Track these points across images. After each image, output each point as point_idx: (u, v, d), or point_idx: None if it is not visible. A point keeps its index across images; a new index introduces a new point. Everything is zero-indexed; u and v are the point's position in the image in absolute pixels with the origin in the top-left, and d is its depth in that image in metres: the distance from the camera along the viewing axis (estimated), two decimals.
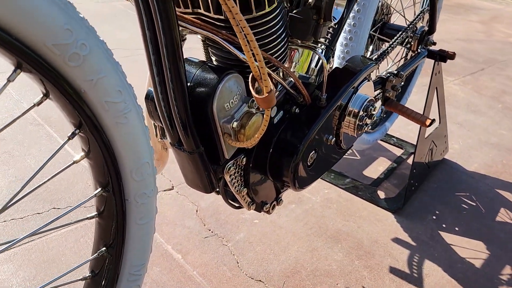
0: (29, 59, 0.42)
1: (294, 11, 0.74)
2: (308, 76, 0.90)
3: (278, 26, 0.69)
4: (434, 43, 1.40)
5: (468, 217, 1.40)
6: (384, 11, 1.38)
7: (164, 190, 1.34)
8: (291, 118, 0.85)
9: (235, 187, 0.81)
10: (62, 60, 0.44)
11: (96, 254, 0.62)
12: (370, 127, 1.09)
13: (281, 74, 0.82)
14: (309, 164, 0.87)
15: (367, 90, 0.99)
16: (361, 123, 0.96)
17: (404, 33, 1.26)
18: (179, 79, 0.60)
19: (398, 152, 1.75)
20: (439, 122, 1.57)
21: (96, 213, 0.61)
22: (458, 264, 1.20)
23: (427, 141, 1.48)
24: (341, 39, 1.16)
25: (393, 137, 1.83)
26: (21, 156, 1.42)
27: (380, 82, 1.18)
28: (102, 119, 0.51)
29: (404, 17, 1.37)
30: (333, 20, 0.76)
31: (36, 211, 1.20)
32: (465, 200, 1.50)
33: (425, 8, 1.34)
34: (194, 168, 0.71)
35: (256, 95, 0.61)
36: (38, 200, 1.24)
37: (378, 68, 1.35)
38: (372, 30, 1.34)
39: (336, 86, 0.91)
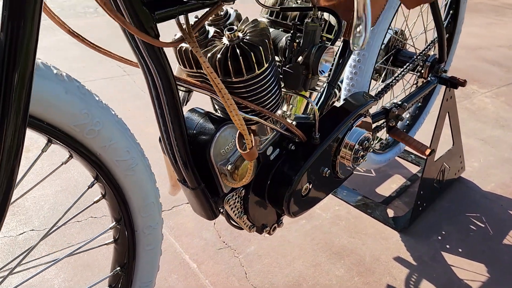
0: (57, 136, 0.56)
1: (286, 66, 0.86)
2: (305, 116, 1.00)
3: (269, 83, 0.81)
4: (445, 71, 1.45)
5: (474, 239, 1.45)
6: (399, 37, 1.45)
7: (186, 203, 1.49)
8: (288, 155, 0.96)
9: (235, 214, 0.94)
10: (81, 134, 0.58)
11: (113, 272, 0.77)
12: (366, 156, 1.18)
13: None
14: (303, 194, 0.99)
15: (364, 125, 1.09)
16: (356, 156, 1.06)
17: (412, 63, 1.33)
18: (179, 130, 0.72)
19: (414, 169, 1.81)
20: (453, 144, 1.62)
21: (112, 240, 0.75)
22: (455, 286, 1.27)
23: (437, 163, 1.54)
24: (347, 73, 1.25)
25: (411, 154, 1.88)
26: (65, 169, 1.62)
27: (384, 113, 1.27)
28: (114, 173, 0.65)
29: (414, 46, 1.43)
30: (321, 73, 0.87)
31: (76, 219, 1.39)
32: (475, 221, 1.55)
33: (435, 38, 1.40)
34: (197, 201, 0.84)
35: (241, 150, 0.73)
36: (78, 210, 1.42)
37: (391, 90, 1.43)
38: (385, 57, 1.42)
39: (331, 124, 1.01)
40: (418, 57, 1.35)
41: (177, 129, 0.72)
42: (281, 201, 0.95)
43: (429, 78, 1.42)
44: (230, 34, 0.75)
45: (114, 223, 0.72)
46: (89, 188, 0.66)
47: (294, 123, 0.95)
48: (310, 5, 0.92)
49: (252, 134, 0.73)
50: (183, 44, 0.77)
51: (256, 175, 0.92)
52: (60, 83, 0.53)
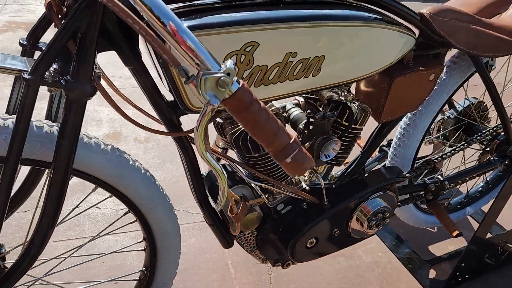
0: (101, 184, 0.87)
1: None
2: (316, 181, 1.16)
3: None
4: None
5: None
6: (475, 109, 1.46)
7: None
8: (299, 212, 1.15)
9: (247, 249, 1.17)
10: (116, 185, 0.88)
11: (141, 270, 1.08)
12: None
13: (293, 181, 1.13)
14: (308, 246, 1.17)
15: (386, 198, 1.20)
16: (370, 224, 1.19)
17: (470, 142, 1.35)
18: (197, 183, 0.98)
19: None
20: None
21: (143, 248, 1.06)
22: None
23: (494, 238, 1.52)
24: (395, 139, 1.34)
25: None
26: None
27: (422, 186, 1.34)
28: (139, 208, 0.94)
29: (479, 121, 1.43)
30: (326, 157, 1.03)
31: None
32: None
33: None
34: (214, 233, 1.10)
35: (229, 213, 0.96)
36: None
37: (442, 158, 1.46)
38: (454, 125, 1.45)
39: (346, 194, 1.16)
40: (481, 135, 1.36)
41: (195, 181, 0.98)
42: (285, 248, 1.15)
43: (492, 158, 1.41)
44: None
45: (142, 238, 1.02)
46: (124, 214, 0.97)
47: (308, 187, 1.13)
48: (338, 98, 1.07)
49: (243, 202, 0.96)
50: (218, 119, 1.02)
51: (267, 222, 1.13)
52: (103, 155, 0.84)
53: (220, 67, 0.52)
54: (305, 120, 1.01)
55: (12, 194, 0.98)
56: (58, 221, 0.94)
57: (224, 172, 0.72)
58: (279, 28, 0.77)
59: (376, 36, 0.92)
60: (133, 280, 1.11)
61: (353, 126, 1.07)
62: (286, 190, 1.06)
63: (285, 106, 1.11)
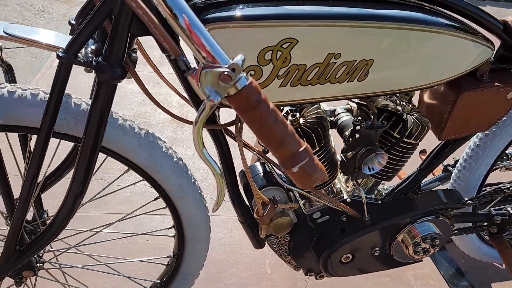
0: (133, 167, 0.88)
1: (342, 154, 0.97)
2: (359, 194, 1.08)
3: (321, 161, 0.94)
4: None
5: None
6: None
7: None
8: (336, 223, 1.08)
9: (279, 253, 1.13)
10: (148, 169, 0.88)
11: (170, 256, 1.09)
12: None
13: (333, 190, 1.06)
14: (343, 261, 1.09)
15: (439, 224, 1.09)
16: (416, 249, 1.09)
17: None
18: (230, 183, 0.96)
19: None
20: None
21: (173, 235, 1.06)
22: None
23: None
24: (461, 160, 1.21)
25: None
26: None
27: (487, 216, 1.19)
28: (169, 196, 0.94)
29: None
30: (370, 170, 0.94)
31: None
32: None
33: None
34: (246, 232, 1.07)
35: (255, 214, 0.92)
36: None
37: None
38: None
39: (390, 212, 1.07)
40: None
41: (228, 176, 0.95)
42: (318, 259, 1.09)
43: None
44: (292, 119, 0.92)
45: (172, 225, 1.02)
46: (155, 199, 0.97)
47: (349, 199, 1.05)
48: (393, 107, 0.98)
49: (271, 204, 0.92)
50: None
51: (301, 228, 1.08)
52: (135, 139, 0.84)
53: (228, 61, 0.48)
54: (352, 128, 0.94)
55: (60, 163, 1.05)
56: (93, 198, 0.98)
57: (221, 172, 0.68)
58: (322, 25, 0.71)
59: (441, 43, 0.82)
60: (162, 264, 1.12)
61: (405, 140, 0.97)
62: (323, 199, 1.00)
63: (334, 110, 1.05)
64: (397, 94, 1.03)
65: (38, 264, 0.93)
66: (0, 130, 0.78)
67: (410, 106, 1.00)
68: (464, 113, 0.98)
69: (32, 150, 0.74)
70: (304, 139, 0.91)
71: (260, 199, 0.90)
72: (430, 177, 1.33)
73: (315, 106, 0.97)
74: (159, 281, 1.14)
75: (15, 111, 0.76)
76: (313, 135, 0.90)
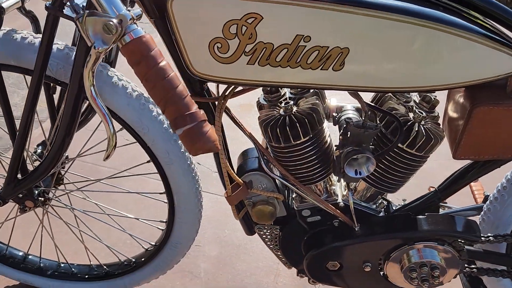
0: (126, 127, 0.94)
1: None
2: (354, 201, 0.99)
3: (303, 156, 0.90)
4: None
5: None
6: None
7: None
8: (325, 225, 1.01)
9: (269, 245, 1.10)
10: (137, 130, 0.93)
11: (164, 221, 1.13)
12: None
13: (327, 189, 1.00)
14: (329, 268, 1.03)
15: (445, 255, 0.97)
16: (411, 276, 0.98)
17: None
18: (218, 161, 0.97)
19: None
20: None
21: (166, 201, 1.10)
22: None
23: None
24: (494, 190, 1.05)
25: None
26: None
27: (505, 259, 1.02)
28: (159, 162, 0.98)
29: None
30: (357, 174, 0.87)
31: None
32: None
33: None
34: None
35: (224, 193, 0.91)
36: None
37: None
38: None
39: (392, 226, 0.97)
40: None
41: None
42: (303, 259, 1.04)
43: None
44: (284, 106, 0.90)
45: (163, 191, 1.06)
46: (147, 162, 1.02)
47: (342, 204, 0.98)
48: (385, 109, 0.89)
49: (243, 187, 0.90)
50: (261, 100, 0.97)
51: (291, 223, 1.04)
52: (126, 98, 0.90)
53: (116, 13, 0.50)
54: (345, 125, 0.88)
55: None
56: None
57: (111, 122, 0.68)
58: (288, 3, 0.68)
59: (445, 43, 0.72)
60: (158, 228, 1.17)
61: (406, 149, 0.88)
62: (311, 197, 0.95)
63: (342, 107, 0.99)
64: (415, 100, 0.94)
65: (40, 198, 1.05)
66: (14, 71, 0.90)
67: (425, 114, 0.89)
68: (483, 131, 0.85)
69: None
70: (291, 129, 0.87)
71: (231, 177, 0.89)
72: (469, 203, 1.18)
73: (314, 97, 0.92)
74: (153, 243, 1.20)
75: (25, 55, 0.87)
76: (297, 124, 0.87)
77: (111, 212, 1.22)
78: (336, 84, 0.76)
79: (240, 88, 0.88)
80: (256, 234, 1.08)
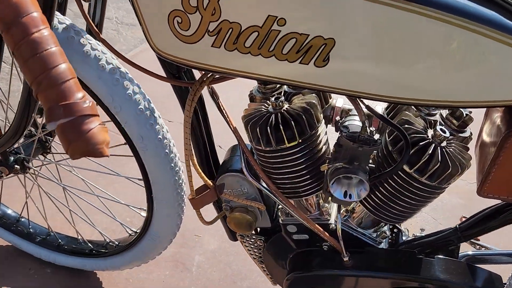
0: (98, 102, 0.84)
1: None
2: (350, 225, 0.83)
3: (288, 163, 0.75)
4: None
5: None
6: None
7: None
8: (316, 247, 0.86)
9: (252, 256, 0.97)
10: (109, 107, 0.83)
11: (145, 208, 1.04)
12: None
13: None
14: None
15: None
16: None
17: None
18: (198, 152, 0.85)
19: None
20: None
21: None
22: None
23: None
24: None
25: None
26: None
27: None
28: (134, 145, 0.88)
29: None
30: (347, 197, 0.70)
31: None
32: None
33: None
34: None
35: (189, 196, 0.78)
36: None
37: None
38: None
39: (390, 262, 0.81)
40: None
41: (194, 143, 0.84)
42: (285, 278, 0.90)
43: None
44: (274, 101, 0.75)
45: (141, 177, 0.96)
46: (123, 144, 0.91)
47: (334, 226, 0.82)
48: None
49: (212, 190, 0.77)
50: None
51: (276, 238, 0.90)
52: (97, 71, 0.79)
53: None
54: (339, 135, 0.71)
55: None
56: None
57: None
58: None
59: (463, 43, 0.53)
60: (141, 215, 1.08)
61: (414, 175, 0.69)
62: (293, 212, 0.80)
63: (350, 110, 0.81)
64: (442, 114, 0.75)
65: (17, 166, 0.99)
66: None
67: (448, 134, 0.70)
68: None
69: None
70: (275, 131, 0.72)
71: (190, 175, 0.77)
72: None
73: (312, 95, 0.76)
74: (135, 230, 1.11)
75: None
76: (282, 126, 0.71)
77: (98, 192, 1.15)
78: (319, 84, 0.59)
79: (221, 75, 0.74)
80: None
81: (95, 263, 1.19)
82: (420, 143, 0.69)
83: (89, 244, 1.21)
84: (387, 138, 0.72)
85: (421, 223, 1.59)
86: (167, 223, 1.00)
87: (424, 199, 0.73)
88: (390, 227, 0.90)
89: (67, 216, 1.20)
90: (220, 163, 0.89)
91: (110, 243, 1.18)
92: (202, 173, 0.78)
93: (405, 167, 0.70)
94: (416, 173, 0.69)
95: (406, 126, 0.70)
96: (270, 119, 0.73)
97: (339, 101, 0.82)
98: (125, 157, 0.96)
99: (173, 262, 1.33)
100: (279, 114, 0.73)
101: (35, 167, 1.05)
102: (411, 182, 0.70)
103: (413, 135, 0.69)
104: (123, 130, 0.86)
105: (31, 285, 1.24)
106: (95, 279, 1.27)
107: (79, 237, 1.22)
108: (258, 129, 0.73)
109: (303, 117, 0.72)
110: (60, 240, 1.23)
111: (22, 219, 1.26)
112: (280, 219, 0.87)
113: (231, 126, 0.81)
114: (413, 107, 0.75)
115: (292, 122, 0.72)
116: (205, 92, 0.78)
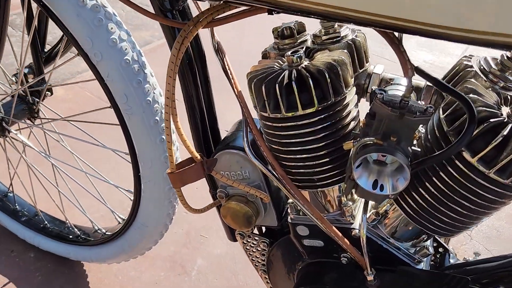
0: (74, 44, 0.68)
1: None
2: (389, 237, 0.62)
3: (311, 138, 0.55)
4: None
5: None
6: None
7: None
8: (333, 258, 0.66)
9: (251, 259, 0.78)
10: (88, 54, 0.67)
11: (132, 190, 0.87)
12: None
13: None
14: None
15: None
16: None
17: None
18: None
19: None
20: None
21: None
22: None
23: None
24: None
25: None
26: None
27: None
28: (118, 107, 0.71)
29: None
30: (377, 188, 0.49)
31: None
32: None
33: None
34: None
35: (168, 170, 0.60)
36: None
37: None
38: None
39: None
40: None
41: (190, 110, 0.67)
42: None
43: None
44: (290, 55, 0.56)
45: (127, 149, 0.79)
46: (108, 107, 0.75)
47: (358, 232, 0.62)
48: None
49: (198, 164, 0.58)
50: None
51: (284, 241, 0.70)
52: (75, 6, 0.63)
53: None
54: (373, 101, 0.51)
55: None
56: None
57: None
58: None
59: None
60: (130, 200, 0.91)
61: (478, 166, 0.48)
62: (304, 207, 0.60)
63: (392, 80, 0.61)
64: None
65: None
66: None
67: None
68: None
69: None
70: (286, 92, 0.53)
71: (170, 150, 0.58)
72: None
73: (343, 51, 0.57)
74: (123, 217, 0.95)
75: None
76: (296, 86, 0.52)
77: (87, 169, 1.00)
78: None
79: (223, 14, 0.56)
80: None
81: (80, 252, 1.04)
82: (491, 120, 0.47)
83: (76, 229, 1.05)
84: (441, 115, 0.52)
85: (470, 254, 1.34)
86: (156, 210, 0.83)
87: (488, 204, 0.51)
88: (435, 244, 0.68)
89: (54, 196, 1.05)
90: None
91: (98, 231, 1.03)
92: (186, 140, 0.59)
93: (466, 155, 0.49)
94: (480, 164, 0.48)
95: (471, 96, 0.49)
96: (282, 76, 0.54)
97: (378, 67, 0.62)
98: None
99: (171, 263, 1.15)
100: (294, 71, 0.54)
101: (16, 130, 0.91)
102: (472, 176, 0.49)
103: (481, 108, 0.48)
104: (107, 88, 0.70)
105: (10, 272, 1.09)
106: (81, 270, 1.11)
107: (66, 222, 1.07)
108: (264, 88, 0.54)
109: (327, 76, 0.52)
110: (46, 222, 1.09)
111: (10, 194, 1.13)
112: (289, 217, 0.67)
113: (235, 89, 0.63)
114: (481, 74, 0.54)
115: (311, 81, 0.52)
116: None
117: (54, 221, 1.10)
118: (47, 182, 1.05)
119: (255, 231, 0.75)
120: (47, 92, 0.94)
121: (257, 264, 0.79)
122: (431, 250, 0.62)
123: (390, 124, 0.48)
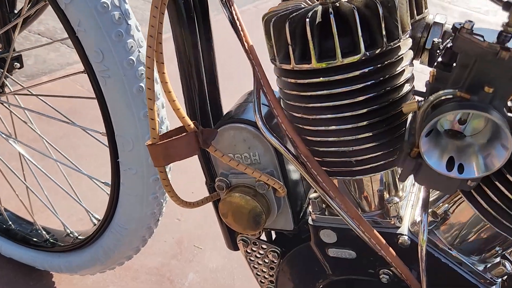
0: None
1: None
2: (451, 249, 0.45)
3: (352, 100, 0.39)
4: None
5: None
6: None
7: None
8: (368, 275, 0.49)
9: (259, 278, 0.61)
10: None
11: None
12: None
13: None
14: None
15: None
16: None
17: None
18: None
19: None
20: None
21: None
22: None
23: None
24: None
25: None
26: None
27: None
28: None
29: None
30: (467, 170, 0.33)
31: None
32: None
33: None
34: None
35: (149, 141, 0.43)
36: None
37: None
38: None
39: None
40: None
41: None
42: None
43: None
44: None
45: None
46: (81, 72, 0.59)
47: (407, 239, 0.45)
48: None
49: (191, 135, 0.42)
50: None
51: (300, 251, 0.53)
52: None
53: None
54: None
55: None
56: None
57: None
58: None
59: None
60: (107, 193, 0.74)
61: None
62: (335, 200, 0.43)
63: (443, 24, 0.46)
64: None
65: None
66: None
67: None
68: None
69: None
70: (320, 35, 0.38)
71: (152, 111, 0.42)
72: None
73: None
74: (98, 218, 0.78)
75: None
76: (334, 26, 0.36)
77: (58, 156, 0.83)
78: None
79: None
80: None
81: (47, 260, 0.86)
82: None
83: (44, 232, 0.88)
84: None
85: None
86: (138, 207, 0.66)
87: None
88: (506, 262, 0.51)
89: (19, 191, 0.88)
90: None
91: (70, 235, 0.85)
92: (175, 99, 0.42)
93: None
94: None
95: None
96: (313, 11, 0.38)
97: (441, 17, 0.46)
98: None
99: (158, 276, 0.98)
100: (331, 7, 0.38)
101: None
102: None
103: None
104: (79, 44, 0.54)
105: None
106: (49, 282, 0.93)
107: (34, 223, 0.90)
108: (288, 27, 0.38)
109: (380, 11, 0.36)
110: (10, 223, 0.92)
111: None
112: (309, 218, 0.50)
113: (245, 43, 0.47)
114: None
115: (357, 16, 0.37)
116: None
117: (20, 222, 0.93)
118: (12, 174, 0.88)
119: (263, 236, 0.58)
120: (15, 64, 0.78)
121: (263, 281, 0.61)
122: (509, 268, 0.45)
123: (483, 69, 0.32)
